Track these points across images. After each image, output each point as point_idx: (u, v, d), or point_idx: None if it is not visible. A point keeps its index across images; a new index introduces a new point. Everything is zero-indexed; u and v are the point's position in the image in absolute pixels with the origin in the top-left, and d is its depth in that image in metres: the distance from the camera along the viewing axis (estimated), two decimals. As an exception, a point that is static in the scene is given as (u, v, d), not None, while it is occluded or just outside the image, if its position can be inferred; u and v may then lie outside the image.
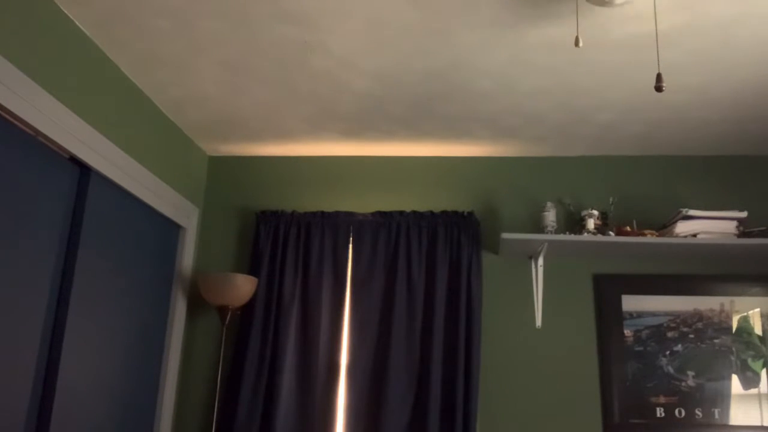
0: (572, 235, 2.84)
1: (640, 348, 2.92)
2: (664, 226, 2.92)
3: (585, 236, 2.82)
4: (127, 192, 2.55)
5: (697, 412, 2.83)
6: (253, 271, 3.07)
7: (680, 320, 2.94)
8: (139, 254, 2.69)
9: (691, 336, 2.92)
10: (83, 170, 2.31)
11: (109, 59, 2.41)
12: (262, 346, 2.94)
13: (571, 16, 2.01)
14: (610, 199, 3.08)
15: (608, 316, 2.96)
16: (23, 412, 2.00)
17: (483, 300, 3.01)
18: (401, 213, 3.08)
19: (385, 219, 3.09)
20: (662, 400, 2.85)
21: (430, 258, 3.01)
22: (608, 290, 3.00)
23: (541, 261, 2.92)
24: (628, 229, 2.87)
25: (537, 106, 2.69)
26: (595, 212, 2.91)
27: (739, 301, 2.95)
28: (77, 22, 2.19)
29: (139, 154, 2.63)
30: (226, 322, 2.92)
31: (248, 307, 3.00)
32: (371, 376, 2.91)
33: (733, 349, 2.89)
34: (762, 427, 2.79)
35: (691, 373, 2.88)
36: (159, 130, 2.84)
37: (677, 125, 2.84)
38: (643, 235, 2.82)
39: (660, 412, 2.84)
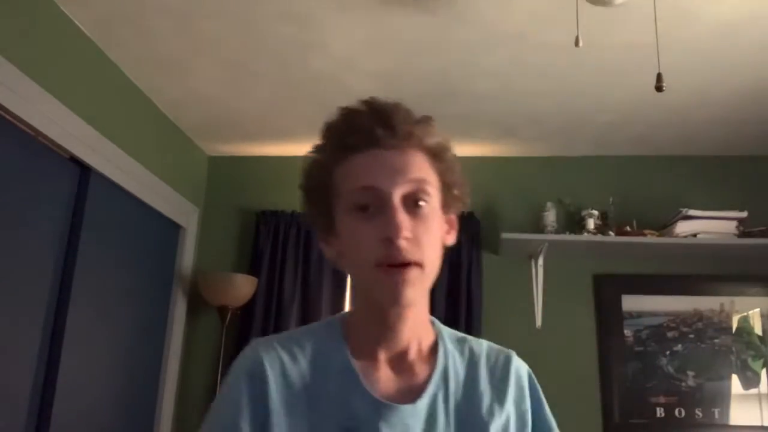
0: (572, 235, 2.83)
1: (640, 348, 2.92)
2: (664, 226, 2.92)
3: (585, 236, 2.82)
4: (127, 192, 2.55)
5: (697, 412, 2.82)
6: (253, 271, 3.07)
7: (680, 320, 2.94)
8: (139, 254, 2.69)
9: (691, 336, 2.92)
10: (83, 170, 2.30)
11: (109, 59, 2.41)
12: (262, 346, 2.94)
13: (571, 17, 2.01)
14: (610, 199, 3.08)
15: (608, 316, 2.96)
16: (23, 412, 2.00)
17: (483, 300, 3.01)
18: (401, 213, 3.08)
19: (385, 219, 3.08)
20: (662, 400, 2.85)
21: (430, 258, 3.01)
22: (608, 290, 3.00)
23: (541, 261, 2.92)
24: (628, 229, 2.87)
25: (537, 107, 2.69)
26: (595, 212, 2.91)
27: (739, 301, 2.95)
28: (77, 22, 2.19)
29: (139, 154, 2.63)
30: (226, 322, 2.91)
31: (248, 307, 2.99)
32: (371, 376, 2.90)
33: (733, 349, 2.89)
34: (762, 427, 2.79)
35: (691, 373, 2.87)
36: (159, 130, 2.84)
37: (677, 126, 2.84)
38: (643, 235, 2.82)
39: (660, 412, 2.84)
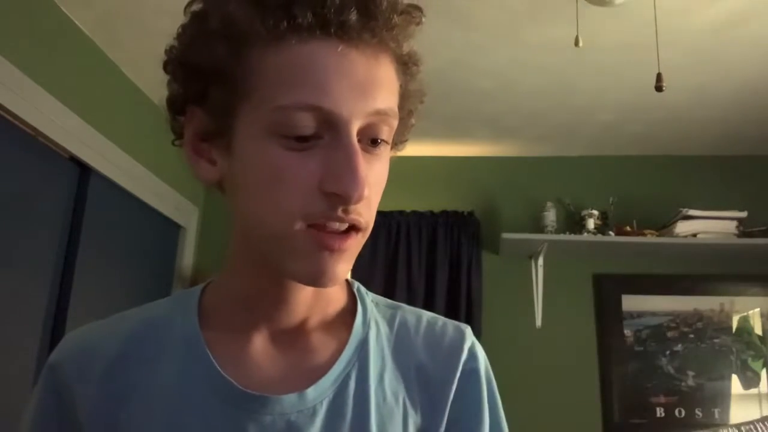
0: (572, 235, 2.83)
1: (640, 348, 2.92)
2: (664, 226, 2.92)
3: (585, 236, 2.81)
4: (127, 192, 2.55)
5: (697, 412, 2.82)
6: (253, 271, 3.07)
7: (680, 320, 2.94)
8: (139, 254, 2.69)
9: (691, 336, 2.92)
10: (83, 170, 2.30)
11: (109, 59, 2.41)
12: (262, 346, 2.94)
13: (571, 16, 2.01)
14: (610, 199, 3.08)
15: (608, 316, 2.96)
16: (23, 412, 2.00)
17: (483, 300, 3.01)
18: (401, 213, 3.08)
19: (385, 219, 3.08)
20: (662, 400, 2.85)
21: (430, 258, 3.01)
22: (608, 290, 3.00)
23: (541, 261, 2.92)
24: (628, 229, 2.87)
25: (537, 106, 2.69)
26: (595, 212, 2.91)
27: (739, 301, 2.95)
28: (77, 22, 2.19)
29: (139, 154, 2.62)
30: (226, 322, 2.91)
31: (248, 307, 2.99)
32: (371, 376, 2.90)
33: (733, 349, 2.89)
34: (762, 427, 2.79)
35: (691, 373, 2.87)
36: (159, 130, 2.81)
37: (677, 125, 2.84)
38: (643, 235, 2.82)
39: (660, 412, 2.84)
